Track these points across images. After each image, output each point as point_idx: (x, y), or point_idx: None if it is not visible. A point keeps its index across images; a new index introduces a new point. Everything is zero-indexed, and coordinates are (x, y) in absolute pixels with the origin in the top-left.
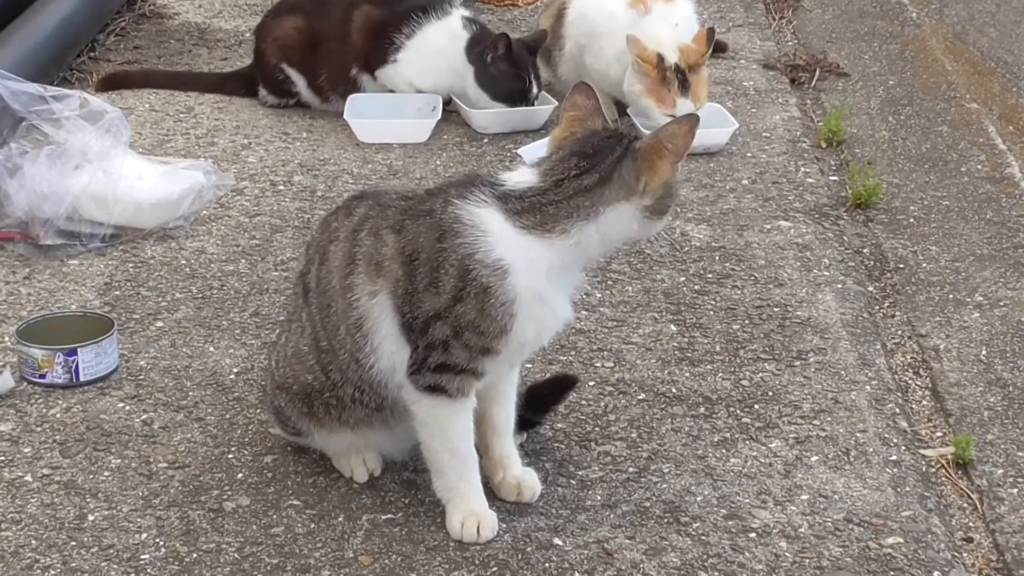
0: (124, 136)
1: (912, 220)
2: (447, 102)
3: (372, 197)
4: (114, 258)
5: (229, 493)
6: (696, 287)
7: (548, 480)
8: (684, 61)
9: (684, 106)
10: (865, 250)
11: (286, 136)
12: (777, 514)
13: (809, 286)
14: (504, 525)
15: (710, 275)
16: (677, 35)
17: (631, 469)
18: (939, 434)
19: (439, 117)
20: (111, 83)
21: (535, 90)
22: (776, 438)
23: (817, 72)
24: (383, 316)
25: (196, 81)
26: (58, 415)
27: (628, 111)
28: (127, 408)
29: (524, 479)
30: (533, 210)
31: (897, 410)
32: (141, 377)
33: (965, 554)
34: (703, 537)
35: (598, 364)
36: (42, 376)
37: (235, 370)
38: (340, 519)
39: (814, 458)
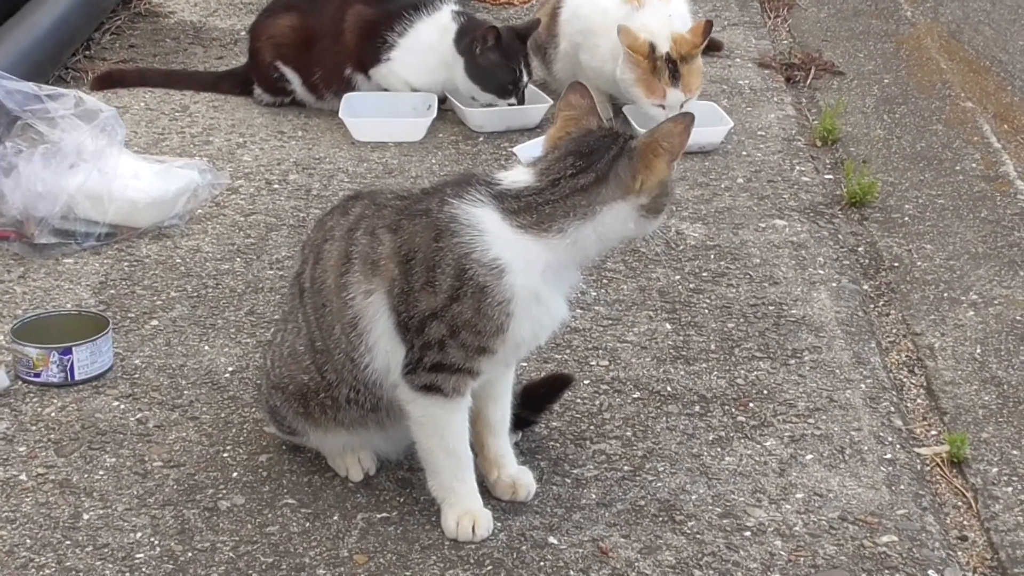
0: (119, 135)
1: (907, 218)
2: (442, 100)
3: (368, 197)
4: (109, 257)
5: (224, 492)
6: (691, 285)
7: (543, 479)
8: (676, 51)
9: (674, 96)
10: (860, 248)
11: (281, 135)
12: (772, 512)
13: (804, 284)
14: (499, 524)
15: (705, 273)
16: (670, 27)
17: (626, 468)
18: (934, 432)
19: (434, 115)
20: (106, 82)
21: (524, 80)
22: (771, 436)
23: (812, 71)
24: (378, 315)
25: (191, 80)
26: (53, 414)
27: (623, 109)
28: (122, 407)
29: (519, 478)
30: (530, 209)
31: (892, 408)
32: (136, 376)
33: (960, 552)
34: (698, 536)
35: (593, 362)
36: (37, 375)
37: (230, 369)
38: (335, 518)
39: (809, 456)
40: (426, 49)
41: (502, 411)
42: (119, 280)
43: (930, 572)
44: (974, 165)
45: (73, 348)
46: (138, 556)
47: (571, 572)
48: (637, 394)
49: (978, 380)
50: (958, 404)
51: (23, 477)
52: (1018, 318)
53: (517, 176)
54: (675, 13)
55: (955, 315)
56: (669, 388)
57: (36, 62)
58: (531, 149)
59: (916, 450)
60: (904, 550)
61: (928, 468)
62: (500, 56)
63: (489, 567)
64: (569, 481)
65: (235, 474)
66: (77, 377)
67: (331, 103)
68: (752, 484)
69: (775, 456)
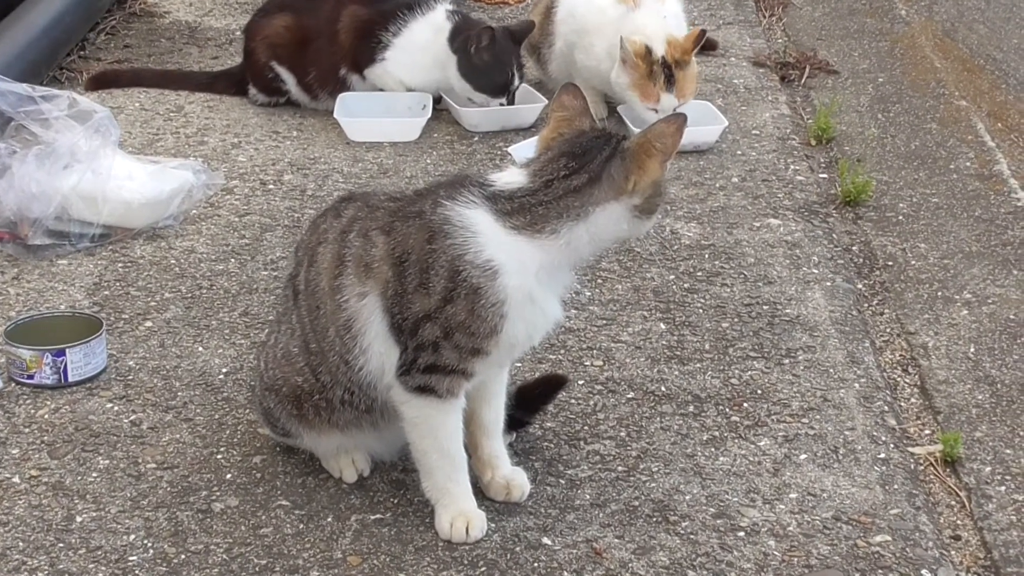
0: (113, 135)
1: (901, 217)
2: (437, 100)
3: (361, 198)
4: (103, 258)
5: (218, 494)
6: (686, 285)
7: (537, 479)
8: (671, 55)
9: (667, 101)
10: (854, 247)
11: (276, 135)
12: (766, 512)
13: (798, 284)
14: (493, 525)
15: (700, 273)
16: (666, 27)
17: (620, 468)
18: (927, 432)
19: (429, 116)
20: (100, 82)
21: (516, 82)
22: (765, 436)
23: (807, 70)
24: (372, 317)
25: (186, 80)
26: (46, 416)
27: (618, 109)
28: (116, 409)
29: (513, 479)
30: (523, 211)
31: (886, 408)
32: (130, 377)
33: (953, 552)
34: (692, 536)
35: (587, 363)
36: (30, 377)
37: (224, 370)
38: (329, 519)
39: (803, 456)
40: (421, 48)
41: (496, 412)
42: (113, 281)
43: (923, 571)
44: (968, 164)
45: (67, 350)
46: (131, 558)
47: (565, 573)
48: (631, 394)
49: (972, 379)
50: (952, 403)
51: (16, 479)
52: (1011, 317)
53: (510, 177)
54: (670, 13)
55: (949, 314)
56: (663, 388)
57: (30, 62)
58: (526, 149)
59: (910, 449)
60: (897, 550)
61: (922, 467)
62: (494, 56)
63: (483, 568)
64: (563, 482)
65: (229, 476)
66: (71, 379)
67: (326, 103)
68: (746, 484)
69: (769, 456)
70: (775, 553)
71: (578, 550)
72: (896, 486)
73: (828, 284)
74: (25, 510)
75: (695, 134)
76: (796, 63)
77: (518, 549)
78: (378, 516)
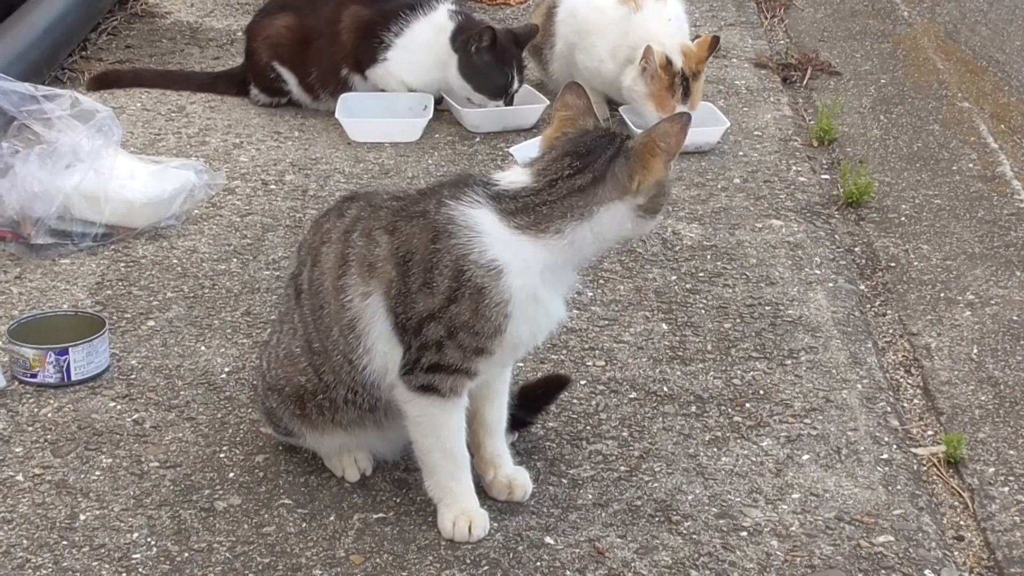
0: (115, 135)
1: (903, 219)
2: (438, 101)
3: (364, 198)
4: (105, 257)
5: (220, 492)
6: (688, 286)
7: (539, 479)
8: (688, 67)
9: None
10: (856, 249)
11: (278, 135)
12: (768, 513)
13: (800, 285)
14: (495, 524)
15: (702, 274)
16: (672, 32)
17: (622, 468)
18: (930, 432)
19: (431, 116)
20: (102, 82)
21: (516, 85)
22: (767, 437)
23: (809, 71)
24: (376, 317)
25: (188, 80)
26: (49, 414)
27: (620, 110)
28: (118, 407)
29: (515, 478)
30: (527, 210)
31: (888, 408)
32: (132, 376)
33: (956, 552)
34: (694, 536)
35: (589, 363)
36: (33, 375)
37: (226, 369)
38: (331, 518)
39: (805, 457)
40: (422, 48)
41: (499, 411)
42: (115, 280)
43: (926, 572)
44: (971, 165)
45: (69, 349)
46: (135, 556)
47: (567, 572)
48: (633, 394)
49: (975, 380)
50: (955, 404)
51: (20, 478)
52: (1015, 318)
53: (514, 177)
54: (673, 15)
55: (952, 315)
56: (665, 388)
57: (32, 62)
58: (527, 149)
59: (913, 450)
60: (900, 550)
61: (925, 468)
62: (494, 57)
63: (485, 567)
64: (565, 481)
65: (231, 474)
66: (73, 378)
67: (327, 103)
68: (748, 484)
69: (771, 456)
70: (778, 553)
71: (580, 550)
72: (899, 487)
73: (830, 285)
74: (29, 508)
75: (697, 135)
76: (798, 64)
77: (520, 548)
78: (381, 515)
